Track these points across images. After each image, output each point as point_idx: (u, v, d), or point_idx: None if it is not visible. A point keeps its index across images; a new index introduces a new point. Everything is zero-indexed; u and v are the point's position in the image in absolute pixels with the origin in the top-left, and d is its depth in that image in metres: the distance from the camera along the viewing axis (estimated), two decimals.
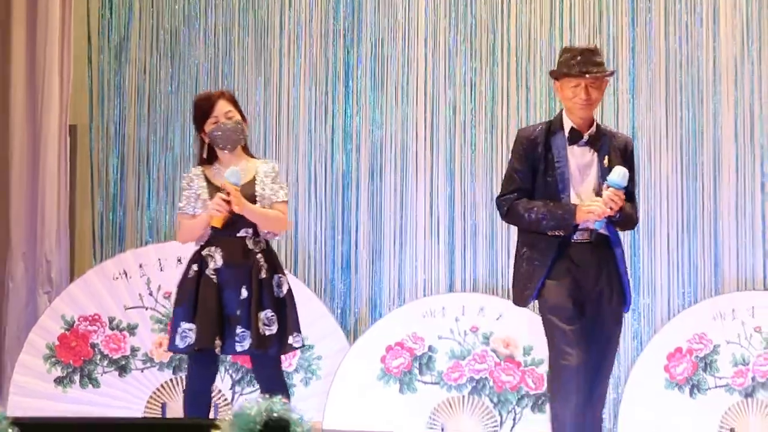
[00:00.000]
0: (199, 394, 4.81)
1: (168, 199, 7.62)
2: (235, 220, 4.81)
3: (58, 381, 7.00)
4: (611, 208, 4.41)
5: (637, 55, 7.28)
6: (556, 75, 4.67)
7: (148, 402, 6.99)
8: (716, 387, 6.67)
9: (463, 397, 6.95)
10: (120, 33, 7.80)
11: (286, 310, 4.83)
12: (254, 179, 4.96)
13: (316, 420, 6.63)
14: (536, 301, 4.78)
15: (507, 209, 4.64)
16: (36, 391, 6.92)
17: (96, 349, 7.04)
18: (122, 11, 7.78)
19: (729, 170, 7.19)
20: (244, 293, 4.75)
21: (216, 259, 4.83)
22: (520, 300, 4.74)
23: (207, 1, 7.73)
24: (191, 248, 7.03)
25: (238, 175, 4.81)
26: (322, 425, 6.74)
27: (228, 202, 4.74)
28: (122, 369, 7.05)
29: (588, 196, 4.55)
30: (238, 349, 4.73)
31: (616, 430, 6.93)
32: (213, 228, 4.83)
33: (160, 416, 6.90)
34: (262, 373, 4.92)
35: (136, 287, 7.12)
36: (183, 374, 7.00)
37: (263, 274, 4.80)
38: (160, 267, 7.12)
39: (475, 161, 7.44)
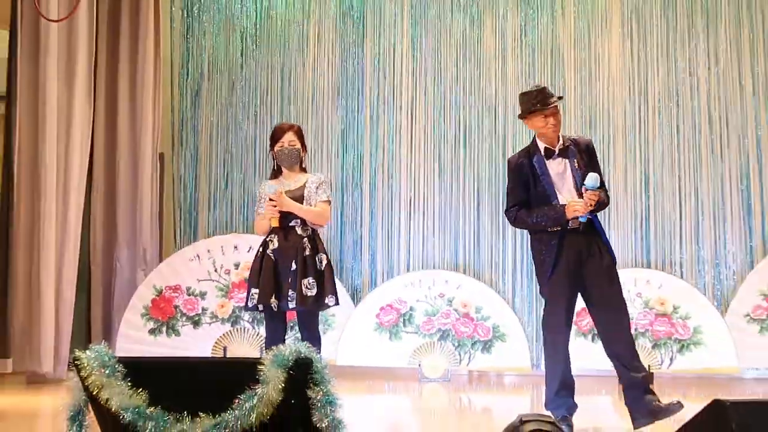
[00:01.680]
0: (272, 341, 4.62)
1: (227, 205, 7.64)
2: (289, 217, 4.72)
3: (151, 331, 7.01)
4: (590, 205, 4.28)
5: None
6: (525, 114, 4.40)
7: (213, 346, 7.01)
8: None
9: (434, 342, 6.97)
10: (194, 86, 7.81)
11: (324, 278, 4.69)
12: (304, 185, 4.80)
13: (331, 358, 6.67)
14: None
15: (514, 218, 4.42)
16: (135, 339, 6.94)
17: (177, 309, 7.05)
18: (197, 69, 7.81)
19: (619, 179, 7.23)
20: (293, 266, 4.63)
21: (274, 242, 4.71)
22: (540, 281, 4.43)
23: (259, 61, 7.75)
24: (246, 237, 7.14)
25: (274, 189, 4.74)
26: (336, 362, 6.78)
27: (275, 206, 4.69)
28: (195, 323, 7.06)
29: (571, 194, 4.33)
30: (290, 305, 4.63)
31: (539, 367, 6.97)
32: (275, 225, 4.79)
33: (222, 356, 6.92)
34: (304, 327, 4.80)
35: (205, 266, 7.13)
36: (239, 326, 7.05)
37: (307, 252, 4.67)
38: (222, 252, 7.13)
39: (443, 176, 7.46)
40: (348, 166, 7.58)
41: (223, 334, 7.05)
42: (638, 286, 6.81)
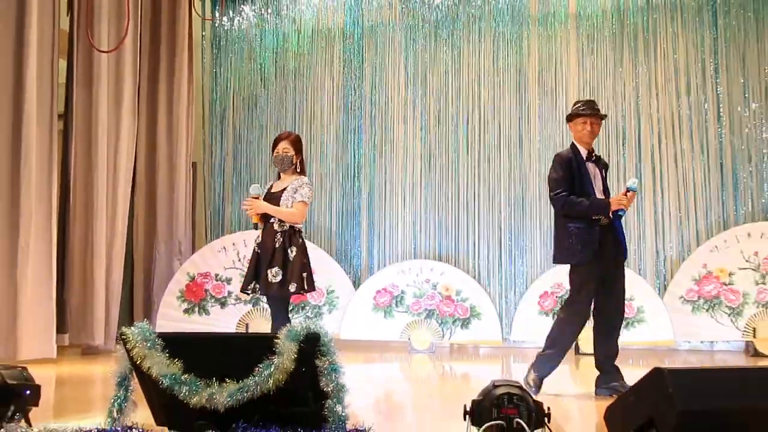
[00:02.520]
0: (276, 327, 4.37)
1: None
2: (268, 216, 4.47)
3: (185, 311, 7.02)
4: (630, 203, 4.22)
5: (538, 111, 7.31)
6: (571, 116, 4.35)
7: (237, 323, 7.01)
8: None
9: (421, 320, 6.98)
10: (222, 106, 7.84)
11: (290, 268, 4.37)
12: (285, 188, 4.51)
13: (336, 333, 6.66)
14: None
15: (564, 202, 4.18)
16: (172, 317, 6.94)
17: (207, 293, 7.05)
18: (224, 94, 7.84)
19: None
20: (268, 257, 4.40)
21: (259, 238, 4.50)
22: (570, 259, 4.23)
23: (275, 85, 7.76)
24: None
25: (258, 190, 4.56)
26: (339, 336, 6.78)
27: (250, 207, 4.47)
28: (222, 304, 7.06)
29: (600, 193, 4.27)
30: (261, 291, 4.41)
31: (510, 338, 6.97)
32: (260, 224, 4.54)
33: (244, 332, 6.92)
34: (273, 309, 4.53)
35: (230, 256, 7.13)
36: (259, 307, 7.04)
37: (278, 245, 4.40)
38: (244, 244, 7.12)
39: (431, 180, 7.46)
40: (349, 173, 7.57)
41: (246, 313, 7.05)
42: None
